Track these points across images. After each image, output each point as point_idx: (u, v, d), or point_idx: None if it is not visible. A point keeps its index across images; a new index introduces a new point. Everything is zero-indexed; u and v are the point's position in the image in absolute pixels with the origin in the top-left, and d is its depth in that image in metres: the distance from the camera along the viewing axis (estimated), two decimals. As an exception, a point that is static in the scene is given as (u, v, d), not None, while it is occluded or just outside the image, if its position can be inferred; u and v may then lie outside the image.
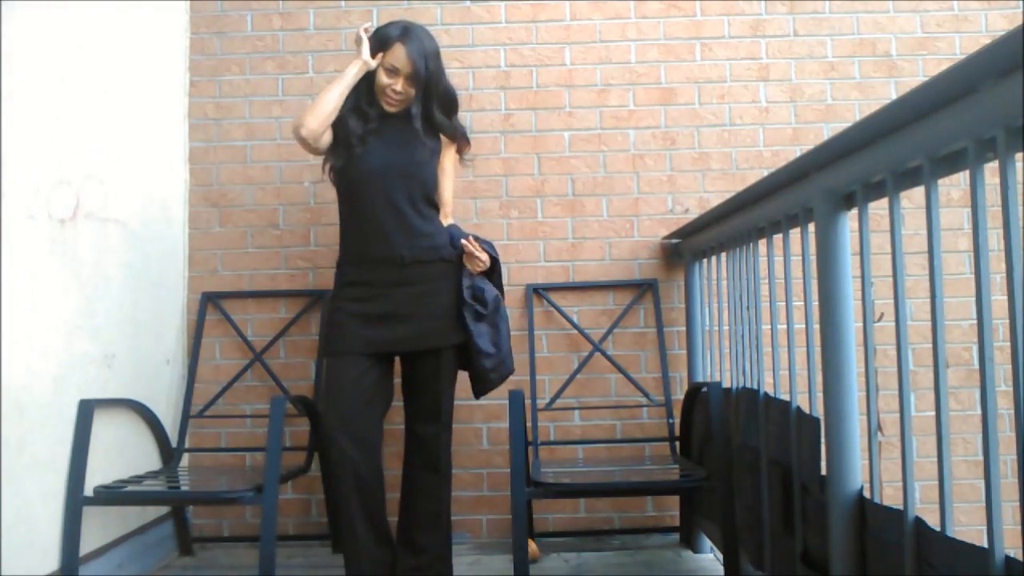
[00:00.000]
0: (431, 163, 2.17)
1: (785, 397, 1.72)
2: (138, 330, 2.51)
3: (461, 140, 2.26)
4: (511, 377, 2.30)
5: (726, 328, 2.32)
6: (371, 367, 2.07)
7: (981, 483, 1.03)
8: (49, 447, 2.06)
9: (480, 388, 2.19)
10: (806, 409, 1.60)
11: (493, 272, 2.21)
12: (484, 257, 2.12)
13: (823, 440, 1.45)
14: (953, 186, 2.78)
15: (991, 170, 1.02)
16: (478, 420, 2.80)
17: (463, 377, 2.22)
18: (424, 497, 2.16)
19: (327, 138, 2.14)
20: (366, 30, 2.14)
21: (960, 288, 2.68)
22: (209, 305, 2.84)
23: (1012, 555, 0.99)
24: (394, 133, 2.15)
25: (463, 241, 2.11)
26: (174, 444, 2.63)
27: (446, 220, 2.23)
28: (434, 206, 2.19)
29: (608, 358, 2.78)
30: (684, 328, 2.80)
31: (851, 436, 1.40)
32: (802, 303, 1.66)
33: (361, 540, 2.04)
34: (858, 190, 1.34)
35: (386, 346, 2.09)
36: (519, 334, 2.78)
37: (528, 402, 2.67)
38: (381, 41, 2.13)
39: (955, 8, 2.90)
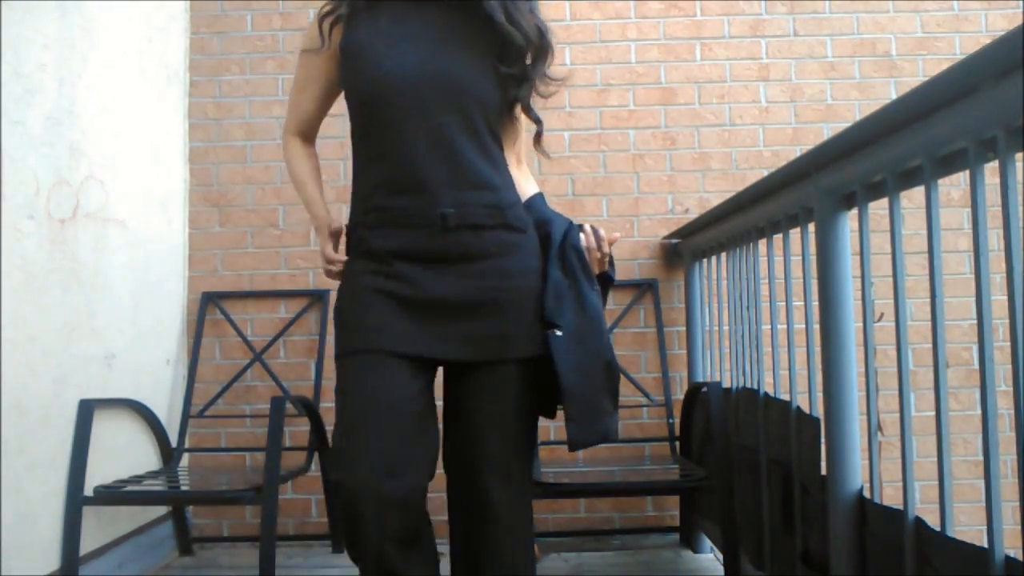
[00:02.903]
0: (502, 86, 1.38)
1: (785, 397, 1.72)
2: (138, 330, 2.51)
3: (544, 56, 1.42)
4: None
5: (726, 328, 2.33)
6: (415, 378, 1.32)
7: (981, 483, 1.03)
8: (49, 447, 2.06)
9: (568, 435, 1.34)
10: (806, 409, 1.60)
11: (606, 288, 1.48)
12: (606, 249, 1.44)
13: (823, 440, 1.45)
14: (953, 186, 2.78)
15: (991, 170, 1.01)
16: (478, 420, 2.80)
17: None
18: None
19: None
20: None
21: (960, 288, 2.68)
22: (209, 305, 2.84)
23: (1012, 555, 0.99)
24: (438, 23, 1.37)
25: (588, 227, 1.44)
26: (174, 444, 2.63)
27: (525, 180, 1.50)
28: (501, 145, 1.42)
29: (608, 358, 2.77)
30: (684, 328, 2.80)
31: (851, 436, 1.40)
32: (802, 303, 1.66)
33: None
34: (858, 190, 1.34)
35: (434, 348, 1.33)
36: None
37: (528, 402, 2.67)
38: None
39: (955, 8, 2.90)
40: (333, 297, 1.72)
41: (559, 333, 1.34)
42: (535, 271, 1.39)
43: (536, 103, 1.46)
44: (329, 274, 1.46)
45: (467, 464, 1.37)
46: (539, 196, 1.50)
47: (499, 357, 1.34)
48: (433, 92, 1.33)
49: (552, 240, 1.41)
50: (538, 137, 1.48)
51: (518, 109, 1.44)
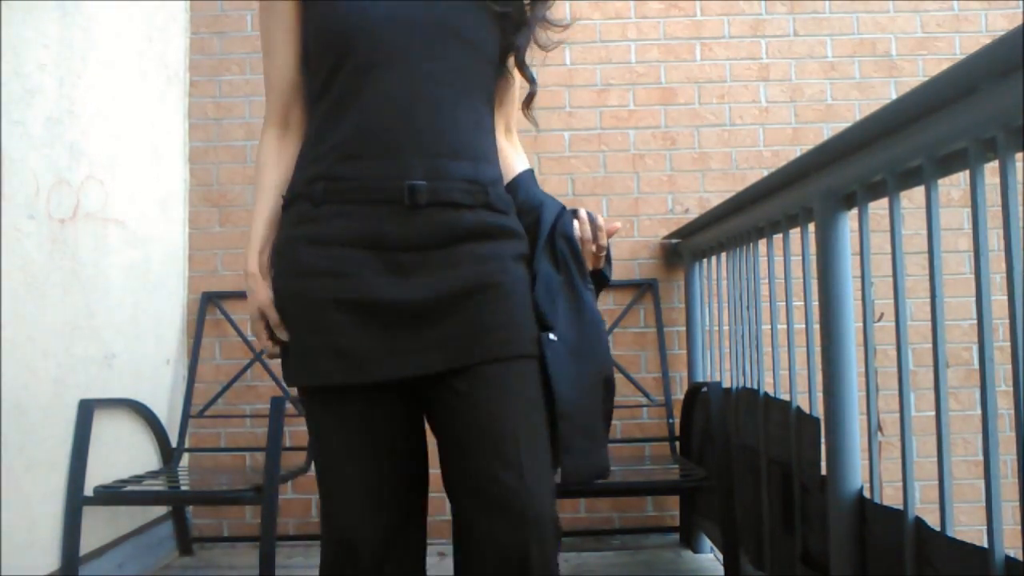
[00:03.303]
0: (497, 30, 1.18)
1: (785, 397, 1.72)
2: (138, 330, 2.51)
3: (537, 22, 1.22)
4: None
5: (726, 328, 2.32)
6: (398, 406, 1.12)
7: (981, 483, 1.03)
8: (49, 447, 2.06)
9: (563, 466, 1.12)
10: (806, 409, 1.60)
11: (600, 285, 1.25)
12: (604, 241, 1.21)
13: (823, 440, 1.45)
14: (953, 186, 2.78)
15: (991, 170, 1.01)
16: (478, 420, 2.80)
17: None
18: None
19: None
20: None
21: (960, 288, 2.68)
22: (209, 305, 2.84)
23: (1012, 555, 0.99)
24: None
25: (583, 213, 1.21)
26: (174, 444, 2.63)
27: (514, 153, 1.29)
28: (492, 108, 1.22)
29: (608, 358, 2.77)
30: (684, 328, 2.80)
31: (851, 436, 1.40)
32: (802, 303, 1.66)
33: None
34: (858, 190, 1.34)
35: (413, 363, 1.08)
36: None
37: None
38: None
39: (955, 8, 2.90)
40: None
41: (553, 338, 1.11)
42: (522, 257, 1.15)
43: (533, 58, 1.24)
44: (271, 354, 1.17)
45: (468, 496, 1.08)
46: (529, 173, 1.26)
47: (479, 359, 1.08)
48: (419, 33, 1.10)
49: (541, 227, 1.18)
50: (529, 99, 1.26)
51: (511, 63, 1.22)
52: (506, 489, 1.04)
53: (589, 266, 1.20)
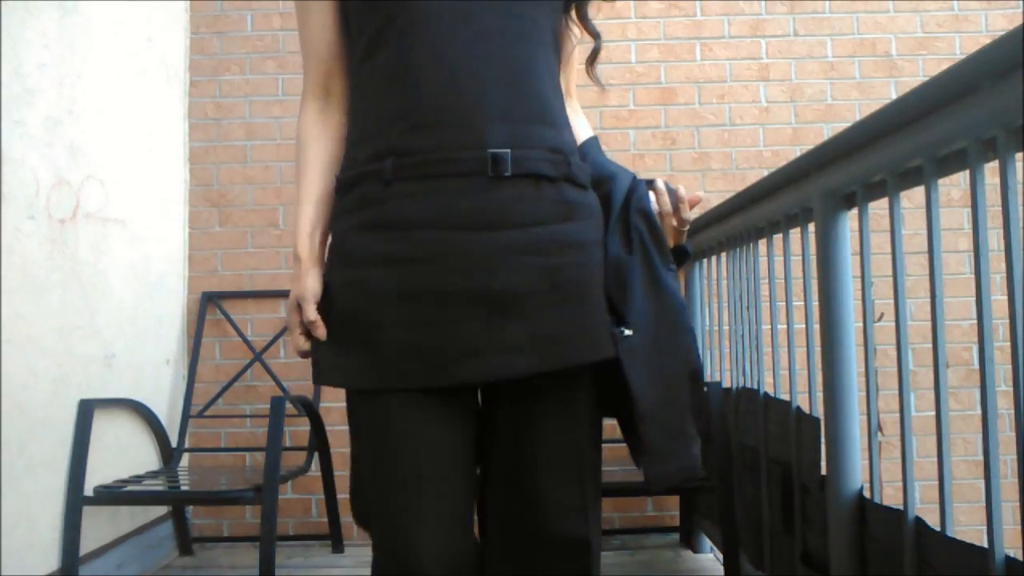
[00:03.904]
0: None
1: (785, 397, 1.72)
2: (138, 330, 2.51)
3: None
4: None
5: (726, 328, 2.32)
6: (463, 416, 1.00)
7: (981, 483, 1.03)
8: (49, 447, 2.06)
9: (645, 470, 1.03)
10: (806, 409, 1.60)
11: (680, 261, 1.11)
12: (688, 214, 1.10)
13: (823, 440, 1.45)
14: (953, 186, 2.78)
15: (991, 170, 1.01)
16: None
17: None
18: None
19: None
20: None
21: (960, 288, 2.68)
22: (209, 305, 2.84)
23: (1012, 555, 0.99)
24: None
25: (661, 183, 1.09)
26: (174, 444, 2.63)
27: (577, 118, 1.16)
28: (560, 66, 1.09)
29: (608, 358, 2.77)
30: (684, 328, 2.79)
31: (851, 436, 1.40)
32: (802, 303, 1.66)
33: None
34: (858, 190, 1.34)
35: (489, 366, 0.95)
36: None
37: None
38: None
39: (955, 8, 2.90)
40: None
41: (628, 333, 0.98)
42: (600, 243, 1.02)
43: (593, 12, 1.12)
44: (299, 351, 1.03)
45: (510, 518, 1.00)
46: (594, 140, 1.12)
47: (569, 362, 0.96)
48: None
49: (613, 202, 1.04)
50: (594, 56, 1.13)
51: (573, 14, 1.09)
52: (575, 543, 0.99)
53: (670, 243, 1.07)
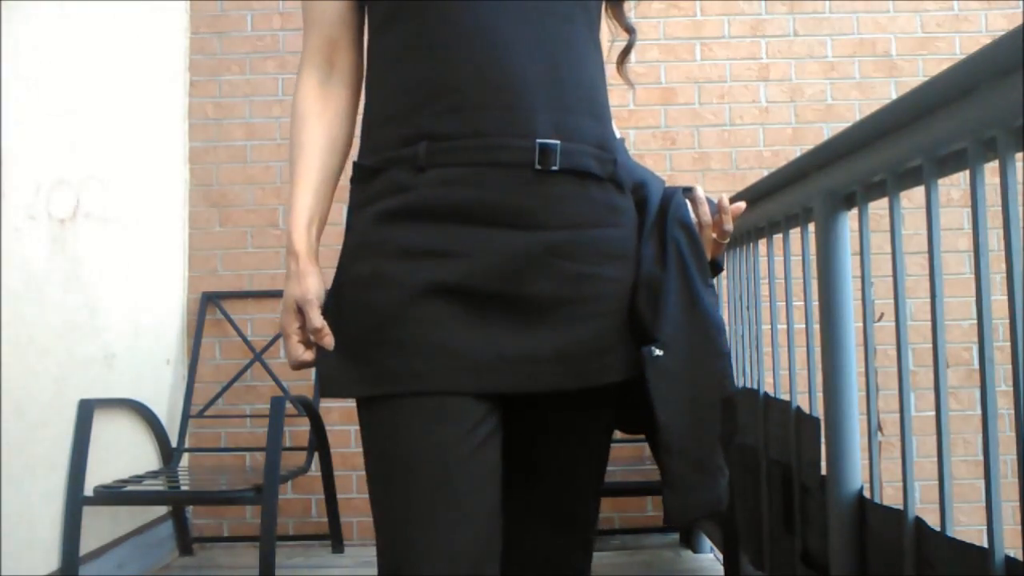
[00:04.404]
0: None
1: (785, 397, 1.72)
2: (138, 330, 2.51)
3: None
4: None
5: (726, 328, 2.32)
6: (496, 428, 0.89)
7: (981, 483, 1.03)
8: (49, 447, 2.06)
9: (665, 503, 0.93)
10: (806, 409, 1.60)
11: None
12: (730, 226, 1.03)
13: (823, 440, 1.45)
14: (953, 186, 2.78)
15: (991, 170, 1.01)
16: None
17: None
18: None
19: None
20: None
21: (960, 288, 2.68)
22: (209, 305, 2.84)
23: (1012, 555, 0.99)
24: None
25: (699, 192, 1.02)
26: (174, 444, 2.63)
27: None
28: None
29: (608, 358, 2.77)
30: (684, 328, 2.79)
31: (851, 436, 1.40)
32: (802, 303, 1.66)
33: None
34: (858, 190, 1.34)
35: (524, 376, 0.87)
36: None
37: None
38: None
39: (955, 8, 2.90)
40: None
41: (658, 353, 0.89)
42: (635, 255, 0.94)
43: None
44: (298, 363, 0.91)
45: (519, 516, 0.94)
46: (621, 143, 0.99)
47: (596, 381, 0.89)
48: None
49: (648, 209, 0.96)
50: (626, 53, 1.07)
51: (603, 7, 1.02)
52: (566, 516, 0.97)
53: (708, 256, 0.98)
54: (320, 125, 0.93)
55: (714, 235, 1.00)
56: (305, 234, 0.92)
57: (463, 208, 0.85)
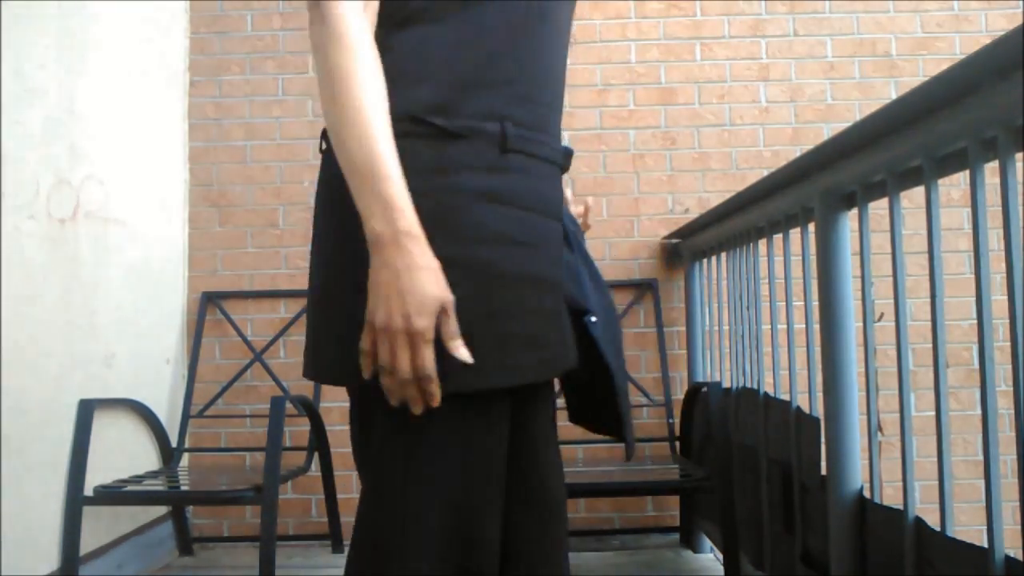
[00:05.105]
0: None
1: (785, 397, 1.72)
2: (138, 330, 2.51)
3: None
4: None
5: (726, 328, 2.33)
6: (547, 419, 1.03)
7: (981, 483, 1.03)
8: (49, 447, 2.06)
9: (627, 446, 1.03)
10: (806, 409, 1.60)
11: None
12: (590, 221, 1.26)
13: (823, 440, 1.45)
14: (953, 186, 2.78)
15: (991, 170, 1.01)
16: (478, 420, 2.80)
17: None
18: None
19: None
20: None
21: (960, 288, 2.68)
22: (209, 305, 2.84)
23: (1012, 555, 0.99)
24: None
25: (568, 193, 1.18)
26: (174, 444, 2.63)
27: None
28: None
29: (608, 358, 2.77)
30: (684, 328, 2.80)
31: (851, 436, 1.40)
32: (802, 303, 1.66)
33: None
34: (858, 190, 1.34)
35: (569, 358, 0.94)
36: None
37: (528, 402, 2.67)
38: None
39: (955, 8, 2.90)
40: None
41: (594, 320, 0.98)
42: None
43: None
44: (431, 376, 0.77)
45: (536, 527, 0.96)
46: None
47: (573, 364, 0.95)
48: None
49: None
50: None
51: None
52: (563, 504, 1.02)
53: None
54: (378, 63, 0.80)
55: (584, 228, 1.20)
56: (413, 209, 0.77)
57: (535, 197, 0.88)
